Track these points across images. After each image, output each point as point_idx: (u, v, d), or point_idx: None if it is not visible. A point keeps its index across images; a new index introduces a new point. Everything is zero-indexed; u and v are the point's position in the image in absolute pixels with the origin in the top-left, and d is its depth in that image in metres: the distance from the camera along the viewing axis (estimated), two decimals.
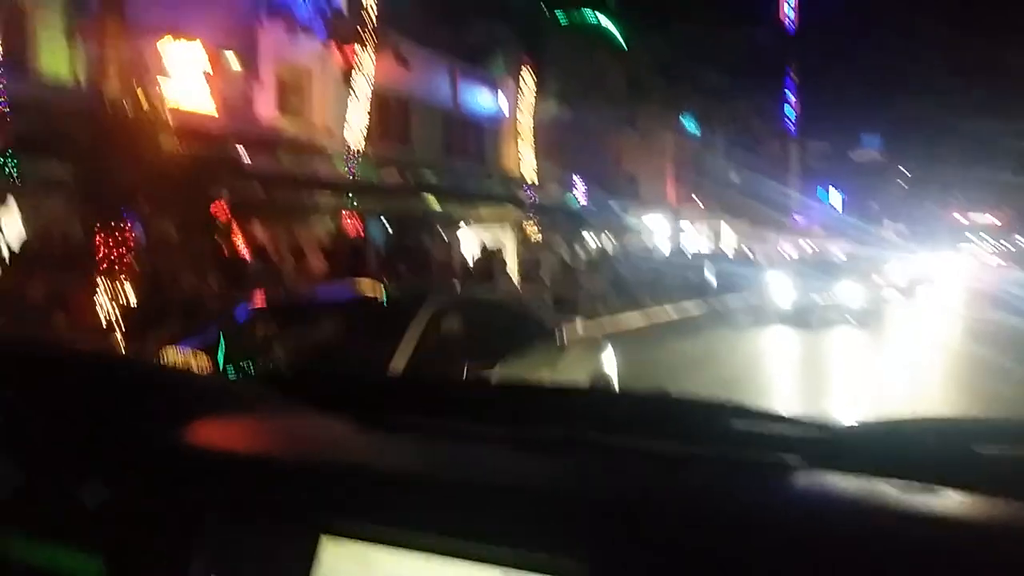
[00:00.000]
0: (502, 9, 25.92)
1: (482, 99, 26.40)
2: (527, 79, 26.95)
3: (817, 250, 42.60)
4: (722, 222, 42.24)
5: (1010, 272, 47.44)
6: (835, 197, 59.56)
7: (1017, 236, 73.70)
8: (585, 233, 28.80)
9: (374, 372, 4.28)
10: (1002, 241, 75.81)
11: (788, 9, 51.48)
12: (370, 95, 19.92)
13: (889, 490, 1.14)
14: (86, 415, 1.43)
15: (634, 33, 29.91)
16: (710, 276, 26.76)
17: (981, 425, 1.46)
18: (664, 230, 35.92)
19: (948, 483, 1.14)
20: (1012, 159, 53.66)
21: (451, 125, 24.86)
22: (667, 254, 30.28)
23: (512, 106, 27.22)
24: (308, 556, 1.14)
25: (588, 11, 28.83)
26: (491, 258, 18.42)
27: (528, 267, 21.04)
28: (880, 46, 61.61)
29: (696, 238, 40.28)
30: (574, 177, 31.78)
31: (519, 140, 27.19)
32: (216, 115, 16.20)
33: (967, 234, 79.01)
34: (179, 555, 1.18)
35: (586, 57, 28.66)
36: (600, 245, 30.53)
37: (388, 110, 22.28)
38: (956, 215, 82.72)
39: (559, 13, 27.55)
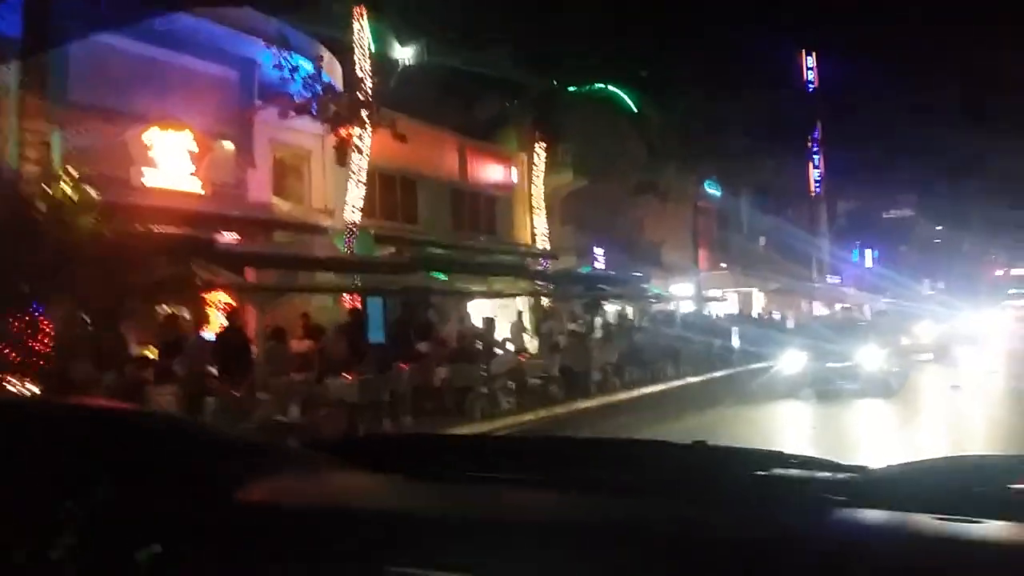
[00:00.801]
0: (512, 86, 25.63)
1: (493, 173, 25.94)
2: (539, 151, 26.49)
3: (850, 311, 41.19)
4: (754, 288, 41.01)
5: None
6: (868, 256, 58.09)
7: None
8: (605, 302, 27.87)
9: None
10: None
11: (808, 71, 50.96)
12: (374, 174, 19.54)
13: (928, 522, 1.19)
14: (146, 476, 1.44)
15: (650, 101, 29.51)
16: (735, 345, 25.63)
17: (1014, 462, 1.49)
18: (691, 297, 34.85)
19: (984, 517, 1.18)
20: None
21: (460, 200, 24.36)
22: (692, 322, 29.15)
23: (525, 178, 26.73)
24: None
25: (600, 84, 28.50)
26: (487, 332, 17.55)
27: (540, 339, 20.18)
28: (905, 102, 60.80)
29: (725, 305, 39.14)
30: (593, 246, 31.09)
31: (532, 212, 26.63)
32: (209, 202, 15.78)
33: (1009, 291, 76.51)
34: None
35: (601, 126, 28.21)
36: (621, 314, 29.64)
37: (393, 188, 21.88)
38: (997, 271, 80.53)
39: (571, 87, 27.23)
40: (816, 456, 1.46)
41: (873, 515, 1.24)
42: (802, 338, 19.96)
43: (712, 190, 40.14)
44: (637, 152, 29.32)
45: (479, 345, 16.63)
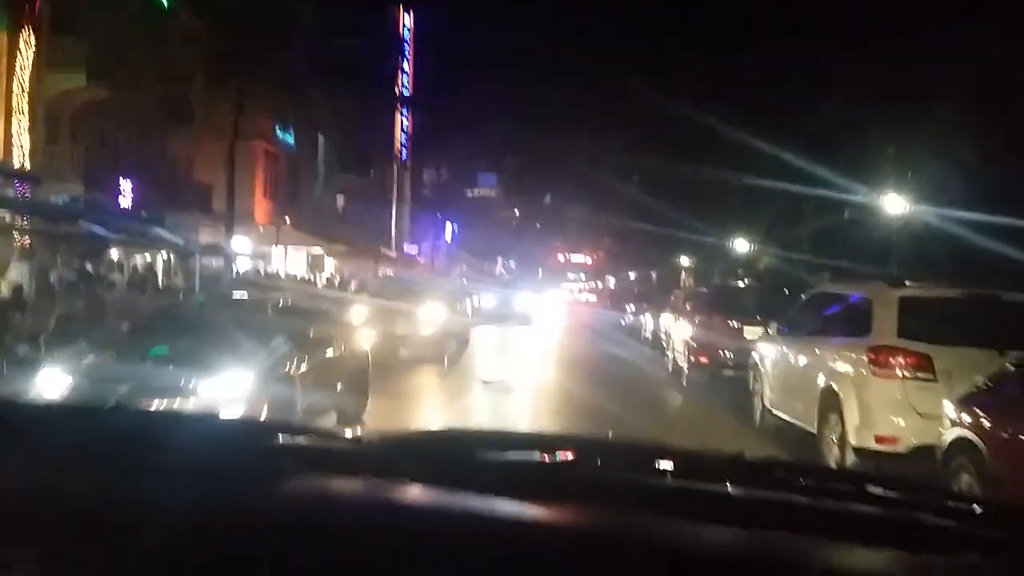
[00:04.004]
0: None
1: None
2: (28, 35, 18.83)
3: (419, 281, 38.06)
4: (322, 250, 35.94)
5: (600, 308, 46.82)
6: (448, 230, 56.31)
7: (608, 275, 76.67)
8: (111, 250, 20.98)
9: None
10: (597, 281, 78.42)
11: (404, 30, 47.11)
12: None
13: (401, 489, 1.19)
14: None
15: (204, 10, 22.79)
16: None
17: (484, 435, 1.63)
18: (241, 253, 28.84)
19: (446, 484, 1.21)
20: (610, 203, 53.91)
21: None
22: (231, 284, 23.18)
23: (3, 69, 18.81)
24: None
25: None
26: None
27: None
28: (501, 84, 59.95)
29: (294, 265, 33.78)
30: (119, 177, 23.89)
31: (12, 117, 18.85)
32: None
33: (568, 274, 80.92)
34: None
35: (125, 21, 20.98)
36: (147, 266, 23.01)
37: None
38: (559, 256, 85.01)
39: None
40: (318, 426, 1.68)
41: (334, 483, 1.22)
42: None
43: (286, 137, 34.51)
44: (171, 64, 22.54)
45: None
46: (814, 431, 7.89)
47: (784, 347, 9.30)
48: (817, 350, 8.11)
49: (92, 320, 13.18)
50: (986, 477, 4.60)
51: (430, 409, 10.73)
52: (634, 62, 51.92)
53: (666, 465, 1.39)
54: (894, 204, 25.54)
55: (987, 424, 4.71)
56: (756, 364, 10.38)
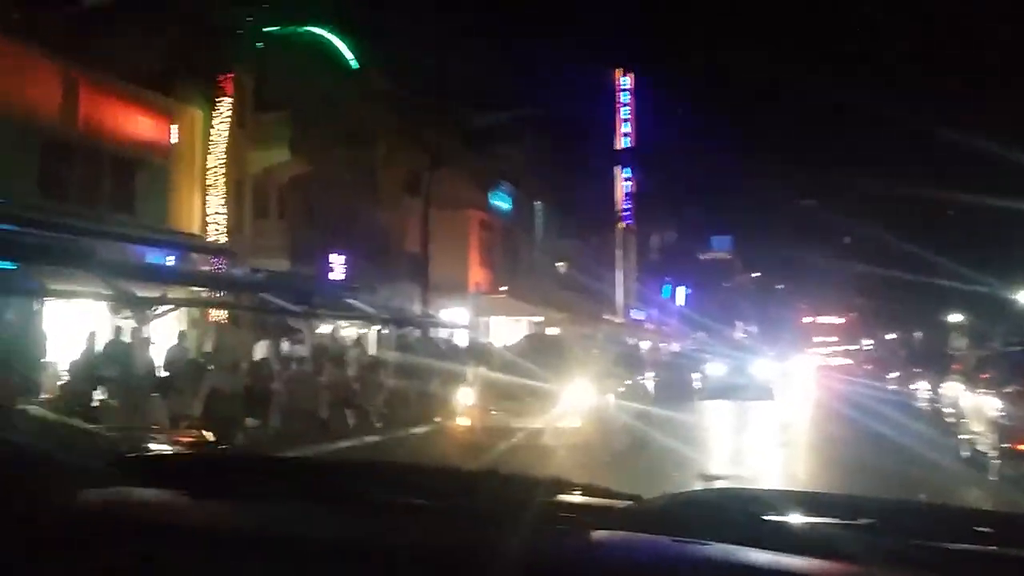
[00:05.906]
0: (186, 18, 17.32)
1: (134, 126, 17.20)
2: (223, 107, 18.31)
3: (652, 350, 34.78)
4: (541, 318, 33.78)
5: (857, 376, 40.96)
6: (679, 294, 52.55)
7: (864, 339, 68.92)
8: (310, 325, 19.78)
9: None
10: (850, 345, 70.68)
11: (624, 92, 44.73)
12: None
13: (691, 548, 1.15)
14: None
15: (377, 55, 21.70)
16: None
17: (767, 495, 1.51)
18: (457, 324, 27.30)
19: (734, 542, 1.16)
20: (857, 259, 48.21)
21: (65, 156, 15.57)
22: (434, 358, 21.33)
23: (197, 142, 18.31)
24: None
25: (304, 25, 20.38)
26: None
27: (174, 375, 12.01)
28: (730, 146, 56.14)
29: (512, 335, 31.81)
30: (328, 252, 23.15)
31: (207, 190, 18.26)
32: None
33: (814, 338, 73.73)
34: None
35: (317, 87, 20.13)
36: (355, 341, 21.78)
37: None
38: (805, 319, 78.11)
39: (269, 26, 19.14)
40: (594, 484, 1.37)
41: (642, 540, 1.22)
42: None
43: (501, 204, 33.07)
44: (363, 128, 21.43)
45: None
46: None
47: None
48: None
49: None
50: None
51: None
52: (886, 85, 45.83)
53: (983, 531, 1.27)
54: None
55: None
56: None
